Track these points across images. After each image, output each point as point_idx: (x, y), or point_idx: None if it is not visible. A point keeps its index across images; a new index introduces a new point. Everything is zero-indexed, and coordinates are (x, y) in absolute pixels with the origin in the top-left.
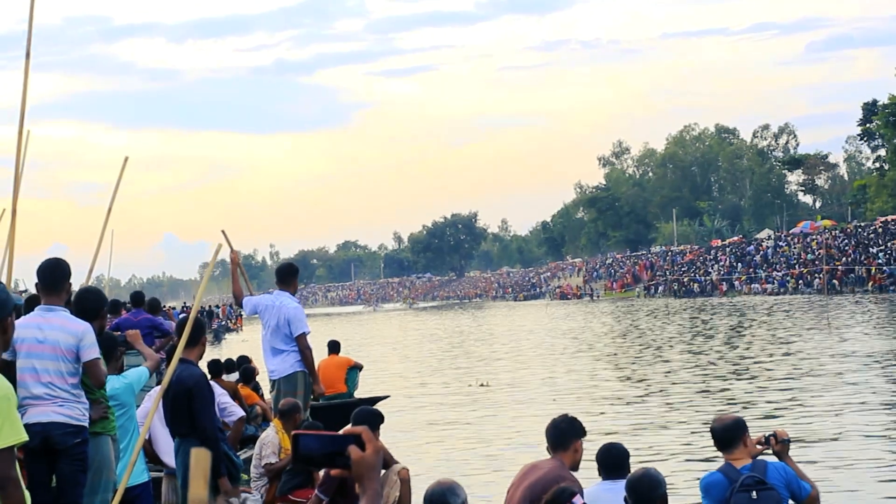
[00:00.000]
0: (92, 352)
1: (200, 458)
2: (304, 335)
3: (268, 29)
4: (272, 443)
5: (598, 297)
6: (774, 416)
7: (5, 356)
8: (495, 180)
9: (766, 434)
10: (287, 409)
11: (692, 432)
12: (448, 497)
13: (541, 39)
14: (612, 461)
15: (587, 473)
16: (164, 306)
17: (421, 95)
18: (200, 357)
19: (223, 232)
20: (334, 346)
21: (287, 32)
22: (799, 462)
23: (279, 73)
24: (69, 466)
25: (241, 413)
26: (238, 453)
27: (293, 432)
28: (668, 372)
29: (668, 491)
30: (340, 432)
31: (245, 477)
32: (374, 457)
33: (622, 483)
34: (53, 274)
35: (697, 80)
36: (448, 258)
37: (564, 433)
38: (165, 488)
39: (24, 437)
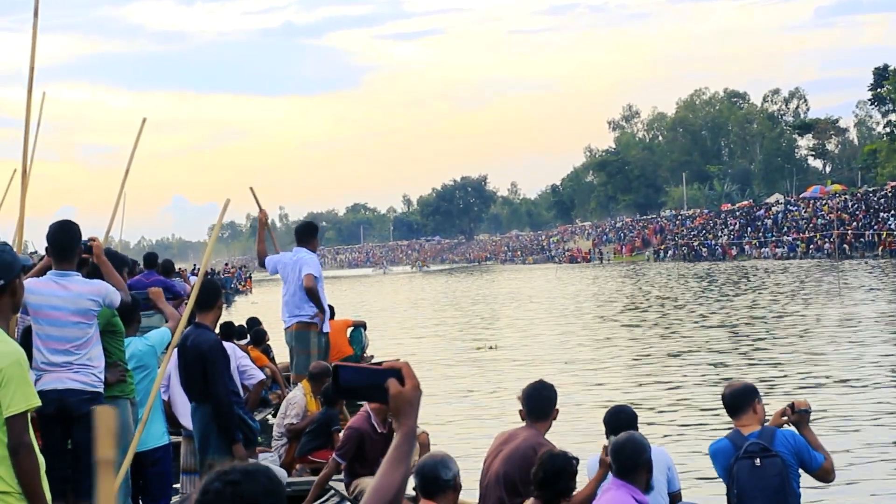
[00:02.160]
0: (116, 296)
1: (105, 417)
2: (310, 275)
3: None
4: (298, 404)
5: (607, 260)
6: (797, 388)
7: (22, 322)
8: (505, 143)
9: (787, 405)
10: (317, 372)
11: (708, 399)
12: (440, 470)
13: (549, 4)
14: (621, 424)
15: (579, 438)
16: (179, 269)
17: (430, 58)
18: (216, 321)
19: (251, 189)
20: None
21: None
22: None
23: (288, 36)
24: (85, 433)
25: (262, 376)
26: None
27: (333, 363)
28: (682, 335)
29: (682, 458)
30: (382, 366)
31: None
32: (412, 392)
33: None
34: (64, 239)
35: (706, 45)
36: (457, 221)
37: (546, 401)
38: (184, 451)
39: (37, 402)
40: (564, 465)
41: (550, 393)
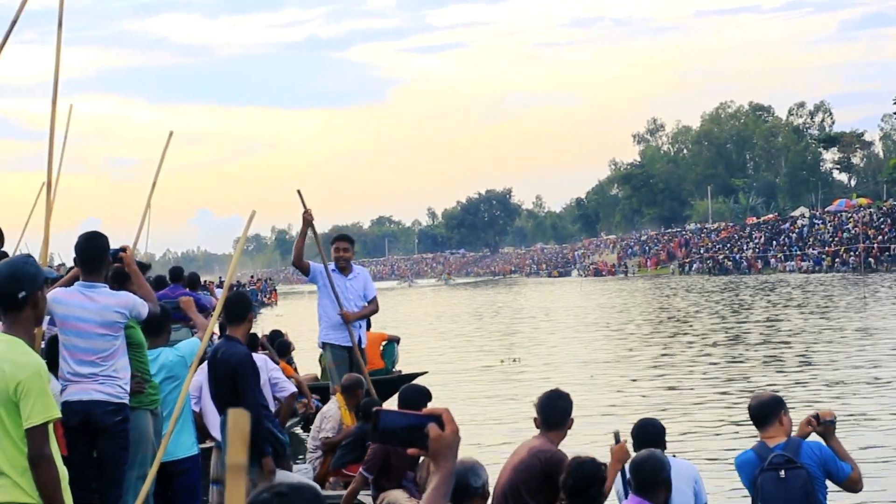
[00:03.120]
0: (143, 308)
1: (239, 421)
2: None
3: (300, 5)
4: (333, 417)
5: (632, 274)
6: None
7: (49, 331)
8: (530, 157)
9: (811, 414)
10: (349, 384)
11: (730, 407)
12: (469, 477)
13: (573, 16)
14: (648, 437)
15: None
16: (205, 281)
17: (454, 72)
18: (247, 334)
19: (298, 192)
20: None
21: (319, 9)
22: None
23: (312, 49)
24: (110, 444)
25: (293, 389)
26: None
27: (374, 409)
28: (707, 348)
29: (706, 469)
30: (422, 411)
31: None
32: (452, 437)
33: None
34: (92, 250)
35: (730, 58)
36: (482, 234)
37: (561, 411)
38: (214, 461)
39: (57, 413)
40: (594, 472)
41: (565, 402)
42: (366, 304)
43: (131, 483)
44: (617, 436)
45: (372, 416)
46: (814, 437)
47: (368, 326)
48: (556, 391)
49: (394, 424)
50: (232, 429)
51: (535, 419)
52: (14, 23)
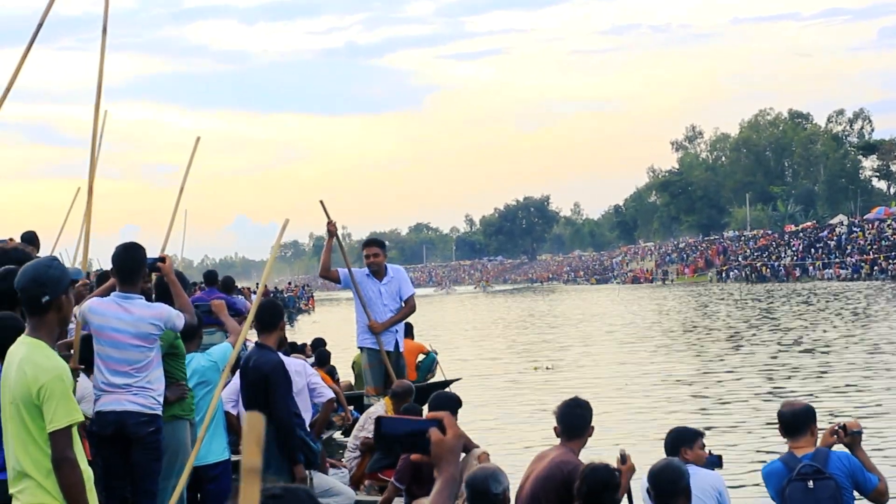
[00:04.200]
0: (179, 320)
1: (254, 423)
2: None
3: (338, 12)
4: None
5: (671, 281)
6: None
7: (82, 331)
8: (567, 164)
9: (837, 425)
10: (400, 391)
11: (763, 422)
12: (490, 483)
13: (611, 23)
14: (678, 446)
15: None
16: (241, 287)
17: (492, 79)
18: (279, 342)
19: (321, 202)
20: (408, 329)
21: (357, 16)
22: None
23: (350, 56)
24: (143, 455)
25: (331, 395)
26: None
27: (376, 416)
28: (743, 357)
29: (732, 481)
30: (423, 416)
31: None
32: (454, 441)
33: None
34: (129, 261)
35: (769, 66)
36: (520, 241)
37: (580, 420)
38: None
39: (80, 417)
40: (608, 478)
41: (585, 411)
42: (403, 304)
43: (168, 492)
44: (623, 456)
45: (374, 423)
46: (838, 447)
47: (409, 333)
48: (575, 399)
49: (396, 430)
50: (247, 432)
51: (555, 428)
52: (40, 26)
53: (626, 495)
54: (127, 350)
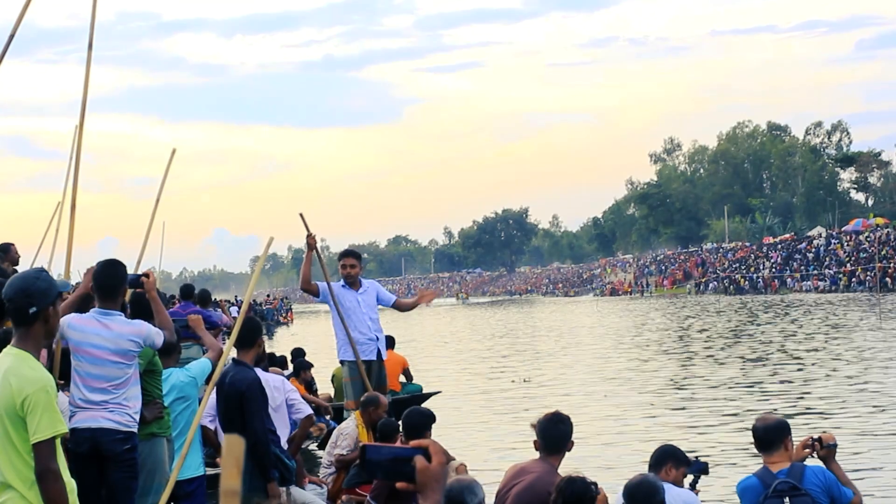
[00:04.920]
0: (158, 337)
1: (233, 446)
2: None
3: (316, 25)
4: (350, 435)
5: (649, 293)
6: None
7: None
8: (546, 176)
9: (812, 438)
10: (365, 401)
11: (737, 436)
12: (465, 496)
13: (589, 36)
14: (652, 459)
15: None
16: (218, 300)
17: (471, 91)
18: (256, 359)
19: (301, 215)
20: (389, 341)
21: (336, 28)
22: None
23: (328, 69)
24: (119, 473)
25: (309, 411)
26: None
27: (361, 444)
28: (718, 368)
29: (707, 496)
30: (409, 444)
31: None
32: (439, 469)
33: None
34: (110, 278)
35: (747, 78)
36: (499, 253)
37: (562, 434)
38: None
39: (64, 429)
40: (583, 491)
41: (566, 426)
42: (378, 313)
43: None
44: (595, 487)
45: (360, 451)
46: (812, 462)
47: (391, 345)
48: (556, 414)
49: (380, 457)
50: (226, 454)
51: (535, 442)
52: (11, 37)
53: None
54: (105, 366)
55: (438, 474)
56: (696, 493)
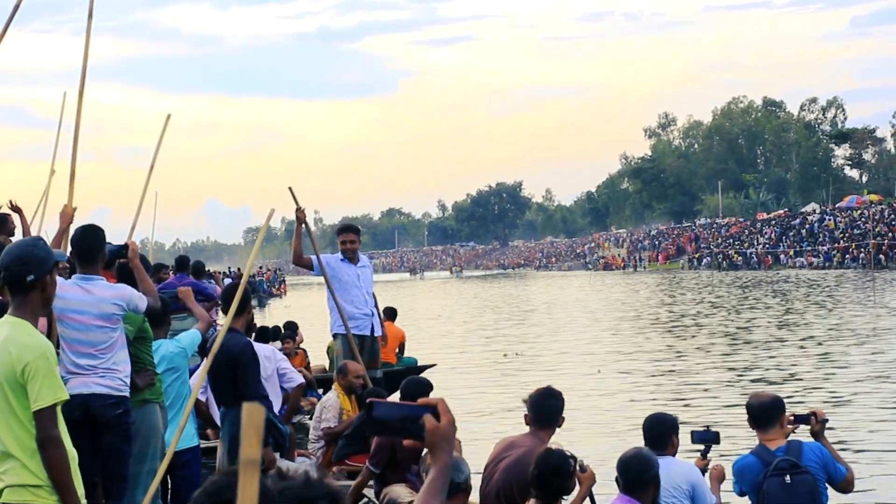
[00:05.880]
0: (142, 301)
1: (253, 414)
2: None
3: None
4: (333, 406)
5: (642, 268)
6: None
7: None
8: (540, 150)
9: (794, 415)
10: (339, 367)
11: (727, 405)
12: (451, 473)
13: (584, 10)
14: (657, 433)
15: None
16: (212, 271)
17: (465, 64)
18: (246, 325)
19: (290, 189)
20: (391, 313)
21: (330, 0)
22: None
23: (323, 41)
24: (112, 438)
25: (301, 380)
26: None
27: (368, 399)
28: (711, 343)
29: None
30: (418, 402)
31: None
32: (448, 428)
33: (663, 459)
34: (89, 243)
35: (741, 53)
36: (492, 227)
37: (553, 409)
38: (220, 453)
39: (65, 395)
40: (559, 465)
41: (558, 401)
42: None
43: (142, 477)
44: (582, 466)
45: (366, 407)
46: (794, 437)
47: (393, 317)
48: (548, 389)
49: (388, 415)
50: (246, 423)
51: (525, 416)
52: (17, 7)
53: (589, 500)
54: (91, 332)
55: (448, 433)
56: (708, 462)
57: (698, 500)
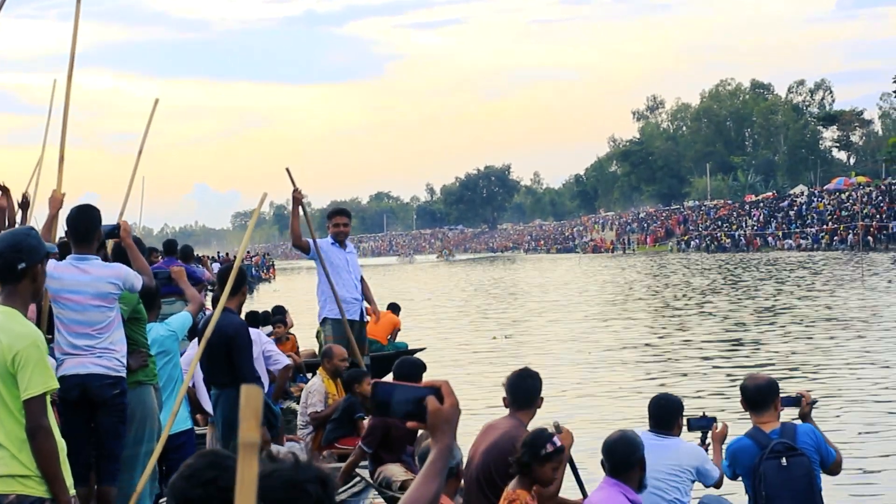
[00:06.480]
0: (137, 280)
1: (252, 396)
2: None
3: None
4: (318, 391)
5: (631, 251)
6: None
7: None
8: (528, 133)
9: (794, 395)
10: (324, 350)
11: (722, 396)
12: None
13: None
14: (664, 413)
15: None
16: (200, 255)
17: (453, 48)
18: (240, 306)
19: (287, 170)
20: (394, 308)
21: None
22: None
23: (310, 24)
24: (109, 419)
25: (287, 361)
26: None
27: (372, 381)
28: (702, 324)
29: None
30: (422, 384)
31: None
32: (451, 411)
33: (669, 440)
34: (83, 222)
35: (731, 36)
36: (481, 210)
37: (530, 390)
38: (210, 438)
39: (55, 385)
40: (545, 444)
41: (535, 381)
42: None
43: (140, 458)
44: (557, 426)
45: (371, 388)
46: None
47: (396, 312)
48: (525, 370)
49: (391, 397)
50: (245, 405)
51: (503, 398)
52: None
53: (569, 464)
54: (87, 311)
55: (451, 416)
56: (707, 449)
57: (705, 478)
